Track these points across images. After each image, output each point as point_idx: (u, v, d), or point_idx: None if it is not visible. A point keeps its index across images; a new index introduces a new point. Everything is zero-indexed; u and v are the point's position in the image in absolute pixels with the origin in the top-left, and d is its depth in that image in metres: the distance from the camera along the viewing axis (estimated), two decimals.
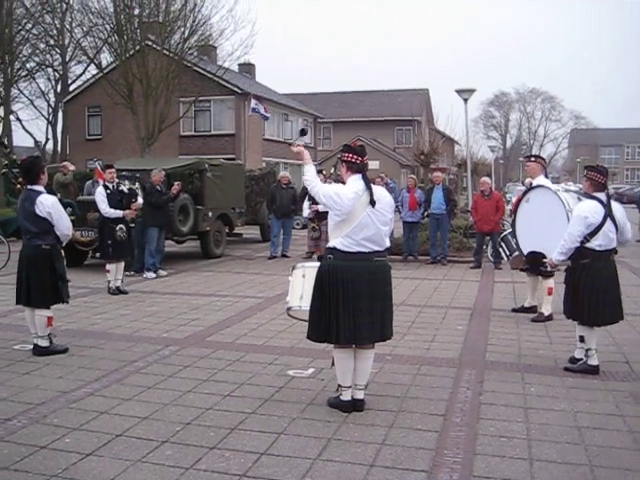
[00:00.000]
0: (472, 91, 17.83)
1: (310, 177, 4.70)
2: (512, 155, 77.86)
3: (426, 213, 13.59)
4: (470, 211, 14.40)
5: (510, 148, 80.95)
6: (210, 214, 13.95)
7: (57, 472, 3.72)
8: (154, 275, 11.43)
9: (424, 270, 12.65)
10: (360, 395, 4.74)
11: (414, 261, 13.73)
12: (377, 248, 4.61)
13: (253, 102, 26.86)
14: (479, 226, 12.82)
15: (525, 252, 7.11)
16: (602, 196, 5.53)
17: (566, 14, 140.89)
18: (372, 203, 4.54)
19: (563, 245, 5.55)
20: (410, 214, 13.65)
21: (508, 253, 8.30)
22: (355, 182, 4.63)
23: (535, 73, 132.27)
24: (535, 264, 6.93)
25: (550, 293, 7.81)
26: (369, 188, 4.59)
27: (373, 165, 38.80)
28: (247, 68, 38.66)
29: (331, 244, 4.63)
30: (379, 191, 4.73)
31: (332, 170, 8.51)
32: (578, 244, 5.46)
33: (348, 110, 50.73)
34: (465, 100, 17.79)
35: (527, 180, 8.58)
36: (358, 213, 4.52)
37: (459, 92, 17.80)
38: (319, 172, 13.45)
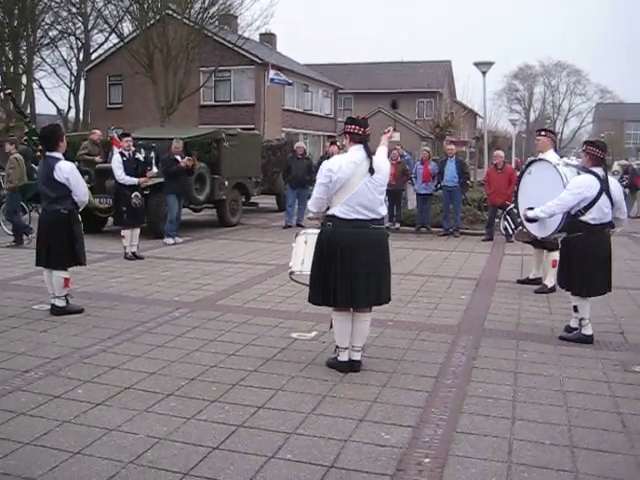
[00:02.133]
0: (490, 64, 17.75)
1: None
2: (535, 129, 76.79)
3: (439, 185, 13.71)
4: (484, 184, 14.47)
5: (534, 122, 79.80)
6: (226, 183, 14.17)
7: (69, 419, 4.01)
8: (172, 241, 11.72)
9: (436, 242, 12.81)
10: (357, 356, 4.96)
11: (427, 233, 13.88)
12: (374, 216, 4.80)
13: (272, 72, 26.87)
14: (492, 199, 12.93)
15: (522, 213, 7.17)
16: (599, 171, 5.64)
17: None
18: (371, 171, 4.72)
19: (550, 206, 5.73)
20: (424, 186, 13.77)
21: (513, 227, 8.43)
22: (356, 151, 4.83)
23: (562, 46, 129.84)
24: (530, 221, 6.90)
25: (554, 265, 7.88)
26: (369, 157, 4.79)
27: (394, 137, 38.68)
28: (268, 38, 38.61)
29: (330, 212, 4.83)
30: (380, 161, 4.91)
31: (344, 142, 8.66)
32: (562, 214, 5.61)
33: (369, 81, 50.37)
34: (484, 73, 17.71)
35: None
36: (357, 180, 4.71)
37: (477, 65, 17.72)
38: (333, 143, 13.63)
